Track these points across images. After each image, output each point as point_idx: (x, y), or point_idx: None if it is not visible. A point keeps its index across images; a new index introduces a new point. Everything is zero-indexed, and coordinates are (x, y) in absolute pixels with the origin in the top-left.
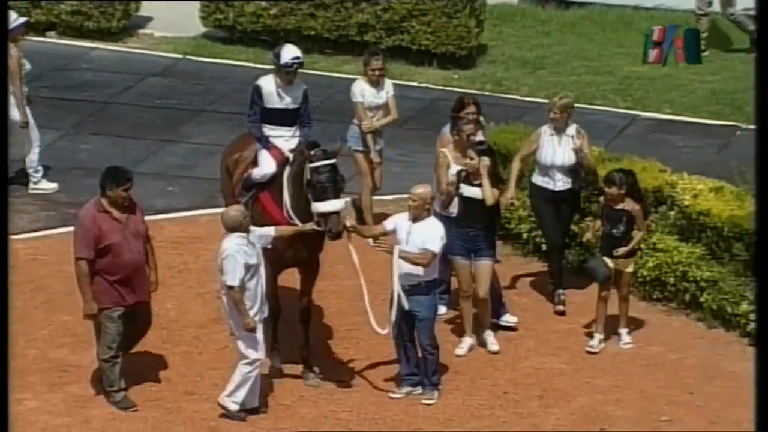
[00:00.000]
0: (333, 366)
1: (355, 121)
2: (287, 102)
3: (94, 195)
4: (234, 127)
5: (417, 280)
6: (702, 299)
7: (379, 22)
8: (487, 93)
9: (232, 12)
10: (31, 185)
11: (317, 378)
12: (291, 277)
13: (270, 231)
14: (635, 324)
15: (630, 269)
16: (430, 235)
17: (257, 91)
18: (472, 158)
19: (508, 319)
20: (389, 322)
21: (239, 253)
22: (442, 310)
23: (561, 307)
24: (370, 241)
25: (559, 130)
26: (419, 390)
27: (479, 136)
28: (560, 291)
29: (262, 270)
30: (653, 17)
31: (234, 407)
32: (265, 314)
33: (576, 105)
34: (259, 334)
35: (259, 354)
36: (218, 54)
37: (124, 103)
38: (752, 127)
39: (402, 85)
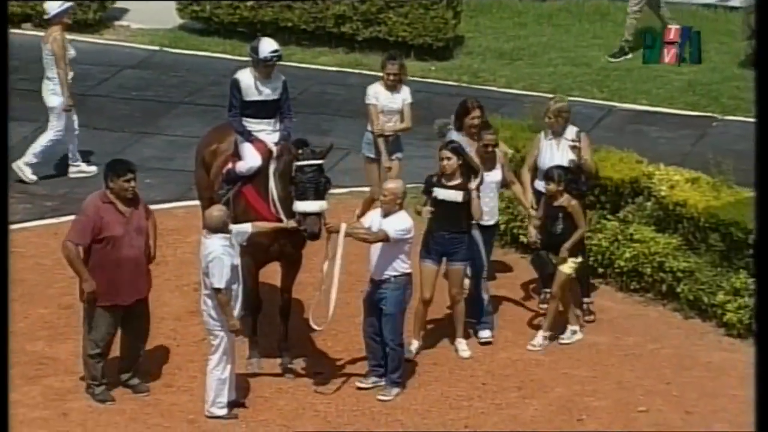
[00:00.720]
0: (311, 358)
1: (369, 126)
2: (266, 94)
3: (73, 188)
4: (211, 119)
5: (387, 275)
6: (678, 290)
7: (356, 14)
8: (464, 85)
9: (209, 4)
10: (72, 169)
11: (295, 370)
12: (269, 271)
13: (246, 228)
14: (610, 314)
15: (567, 270)
16: (395, 224)
17: (235, 85)
18: (449, 158)
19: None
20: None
21: (225, 255)
22: (486, 333)
23: (590, 317)
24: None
25: (557, 135)
26: (383, 382)
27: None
28: (587, 299)
29: (239, 268)
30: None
31: (222, 412)
32: (242, 313)
33: (552, 96)
34: (232, 336)
35: (229, 355)
36: (195, 46)
37: (100, 96)
38: (728, 117)
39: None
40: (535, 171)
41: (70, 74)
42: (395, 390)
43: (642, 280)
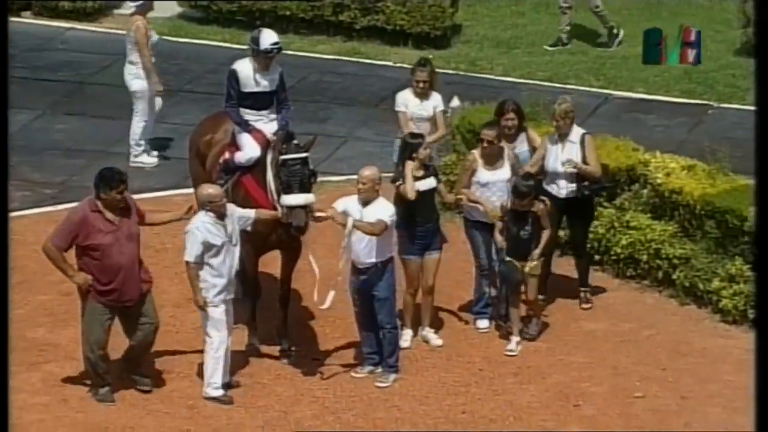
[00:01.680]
0: (309, 345)
1: (399, 133)
2: (264, 85)
3: (72, 176)
4: (210, 107)
5: (373, 261)
6: (674, 276)
7: (354, 2)
8: (461, 73)
9: None
10: (132, 158)
11: (294, 357)
12: (268, 259)
13: (250, 213)
14: (606, 301)
15: (538, 271)
16: (382, 212)
17: (234, 76)
18: (425, 148)
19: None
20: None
21: (200, 230)
22: (484, 323)
23: (587, 305)
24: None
25: (563, 137)
26: (380, 369)
27: (520, 143)
28: (584, 288)
29: (236, 251)
30: None
31: (217, 393)
32: (232, 295)
33: (550, 84)
34: (222, 315)
35: (221, 333)
36: (194, 34)
37: (99, 84)
38: (724, 105)
39: (377, 65)
40: (537, 173)
41: (153, 60)
42: (393, 376)
43: (638, 267)
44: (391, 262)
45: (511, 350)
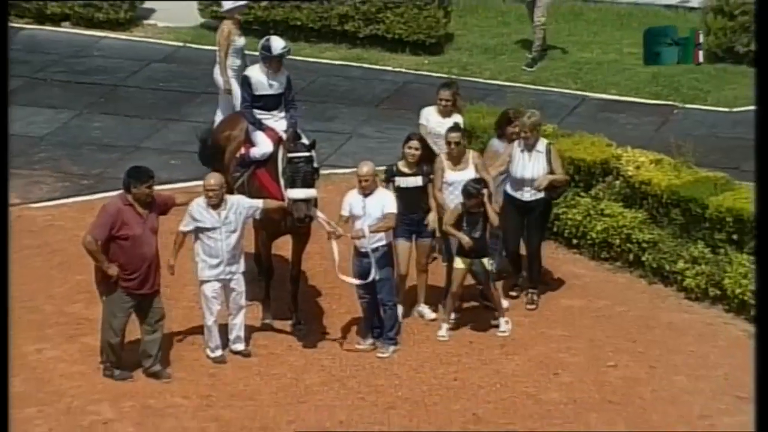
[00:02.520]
0: (317, 319)
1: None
2: (275, 88)
3: (107, 168)
4: None
5: (376, 245)
6: (643, 259)
7: (358, 14)
8: (453, 76)
9: None
10: None
11: (303, 330)
12: (280, 243)
13: (258, 203)
14: (582, 281)
15: (489, 267)
16: (385, 201)
17: (246, 81)
18: (417, 149)
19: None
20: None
21: (193, 209)
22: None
23: (531, 306)
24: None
25: (530, 147)
26: (380, 341)
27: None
28: (532, 290)
29: (233, 237)
30: (600, 9)
31: (213, 354)
32: (225, 276)
33: (532, 87)
34: (212, 293)
35: (211, 308)
36: (214, 42)
37: (131, 86)
38: (688, 106)
39: (378, 70)
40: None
41: (238, 62)
42: (392, 348)
43: (611, 250)
44: (390, 245)
45: (441, 335)
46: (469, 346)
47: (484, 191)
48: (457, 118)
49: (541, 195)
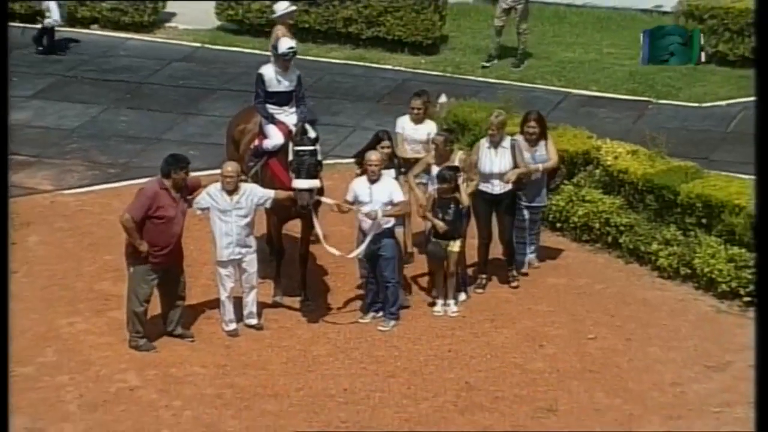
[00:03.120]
0: (324, 296)
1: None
2: (285, 85)
3: (132, 158)
4: (243, 102)
5: (383, 228)
6: (621, 240)
7: (361, 17)
8: (448, 75)
9: (242, 9)
10: None
11: (311, 305)
12: (289, 226)
13: (270, 193)
14: (565, 261)
15: (456, 249)
16: (392, 187)
17: (260, 78)
18: (388, 147)
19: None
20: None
21: (209, 191)
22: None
23: (515, 284)
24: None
25: (497, 144)
26: (381, 316)
27: (540, 148)
28: (511, 271)
29: (244, 221)
30: (582, 13)
31: (227, 328)
32: (236, 257)
33: (520, 84)
34: (225, 272)
35: (224, 286)
36: (230, 43)
37: (153, 84)
38: (662, 102)
39: (379, 68)
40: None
41: None
42: (392, 322)
43: (592, 233)
44: (394, 228)
45: (437, 311)
46: (462, 320)
47: (458, 176)
48: (429, 124)
49: (509, 187)
